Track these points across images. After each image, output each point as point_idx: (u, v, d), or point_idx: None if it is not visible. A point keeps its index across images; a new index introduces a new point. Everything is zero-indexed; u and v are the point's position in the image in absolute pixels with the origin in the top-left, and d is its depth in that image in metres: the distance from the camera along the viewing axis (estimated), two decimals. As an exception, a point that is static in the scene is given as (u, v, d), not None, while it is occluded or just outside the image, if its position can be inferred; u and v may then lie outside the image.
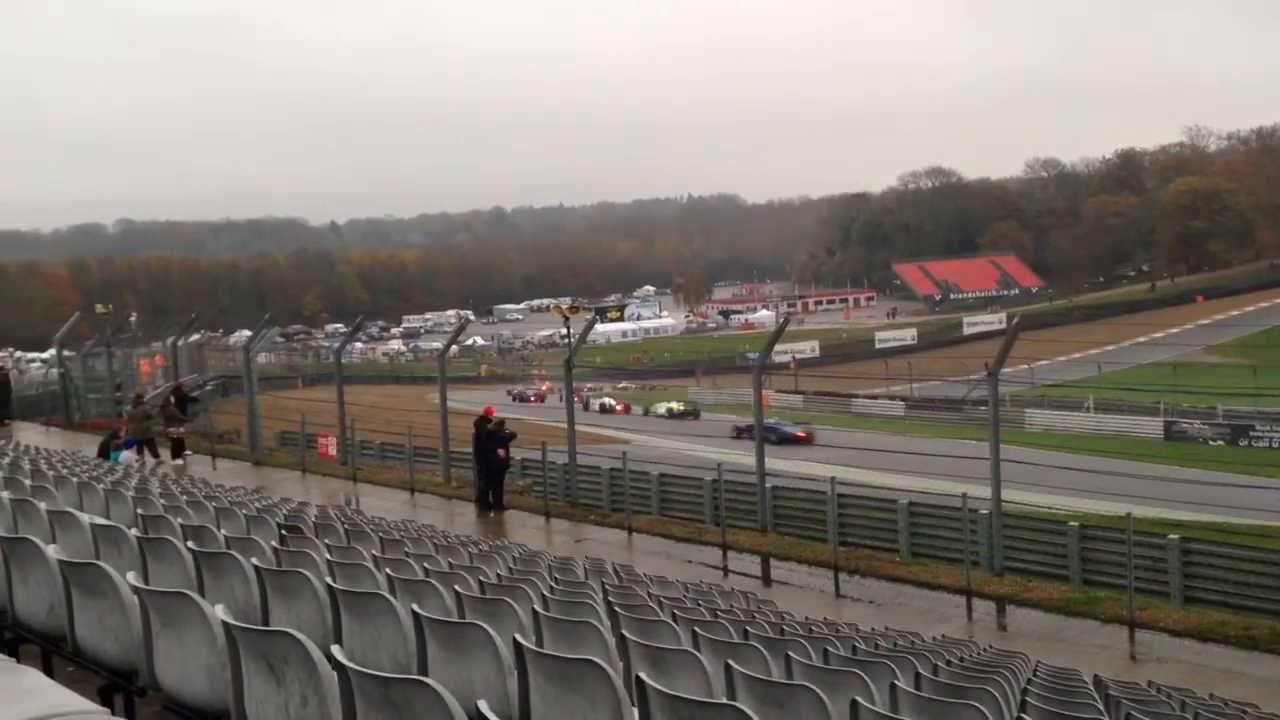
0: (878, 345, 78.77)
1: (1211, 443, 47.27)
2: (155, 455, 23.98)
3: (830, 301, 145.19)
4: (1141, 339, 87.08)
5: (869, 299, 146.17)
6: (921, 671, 6.78)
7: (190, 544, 6.52)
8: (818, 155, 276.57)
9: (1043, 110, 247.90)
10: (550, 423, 29.07)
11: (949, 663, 8.33)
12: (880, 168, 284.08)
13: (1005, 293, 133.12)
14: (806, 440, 46.53)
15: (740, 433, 47.48)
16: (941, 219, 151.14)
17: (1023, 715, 6.03)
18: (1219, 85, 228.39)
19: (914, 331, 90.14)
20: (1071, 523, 16.45)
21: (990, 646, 11.75)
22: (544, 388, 73.56)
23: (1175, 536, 15.16)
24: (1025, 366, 61.09)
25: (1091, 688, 8.72)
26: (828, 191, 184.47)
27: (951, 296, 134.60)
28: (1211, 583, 14.53)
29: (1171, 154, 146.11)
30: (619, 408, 65.07)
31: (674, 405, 63.23)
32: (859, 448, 25.43)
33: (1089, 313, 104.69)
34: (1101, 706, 7.36)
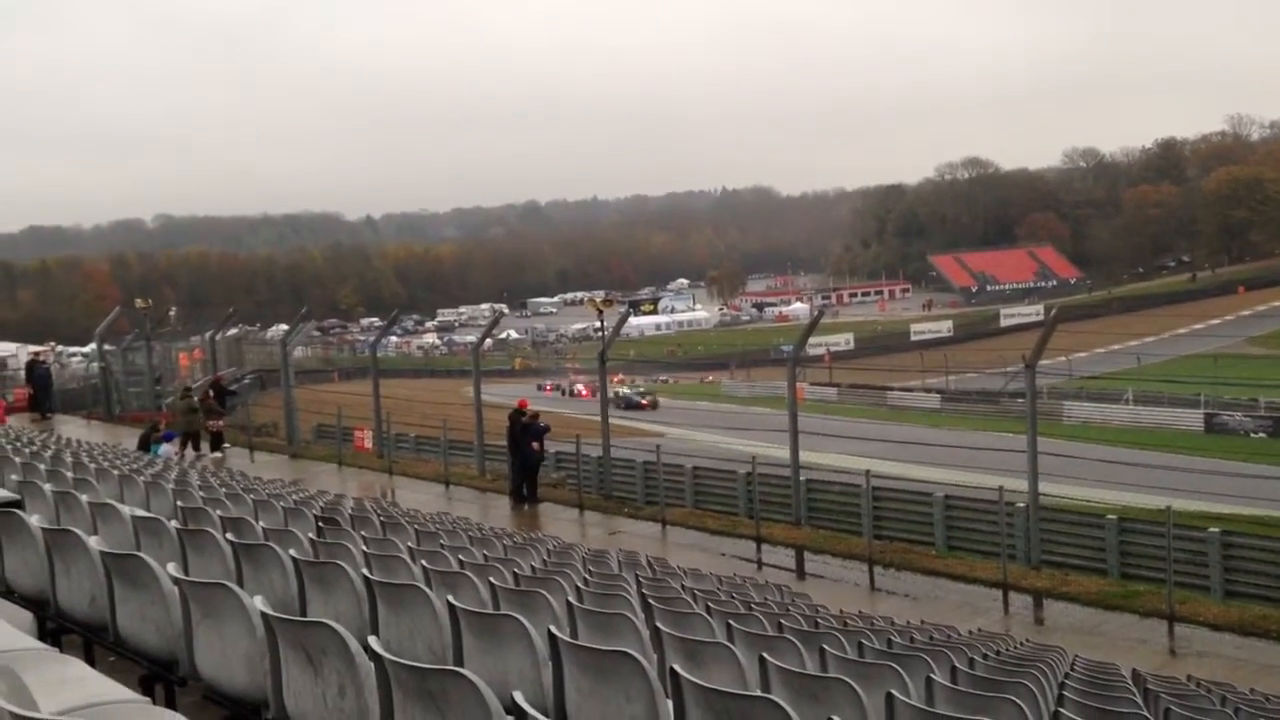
0: (913, 337, 78.55)
1: (1253, 435, 46.62)
2: (196, 449, 24.24)
3: (865, 294, 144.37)
4: (1182, 330, 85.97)
5: (904, 291, 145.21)
6: (958, 665, 6.75)
7: (229, 536, 6.59)
8: (852, 147, 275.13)
9: (1081, 99, 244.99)
10: (582, 415, 29.16)
11: (985, 657, 8.29)
12: (916, 159, 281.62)
13: (1043, 284, 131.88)
14: (650, 407, 59.39)
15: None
16: (978, 210, 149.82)
17: (1060, 710, 5.99)
18: (1262, 73, 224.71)
19: (950, 323, 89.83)
20: (1110, 516, 16.28)
21: (1027, 640, 11.67)
22: (564, 382, 76.02)
23: (1216, 530, 14.99)
24: (1063, 358, 60.50)
25: (1130, 682, 8.65)
26: (863, 183, 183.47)
27: (988, 288, 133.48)
28: (1253, 576, 14.34)
29: (1213, 143, 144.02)
30: (584, 392, 67.39)
31: (619, 390, 68.38)
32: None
33: (1128, 304, 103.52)
34: (1140, 701, 7.30)
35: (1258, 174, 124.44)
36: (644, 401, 62.11)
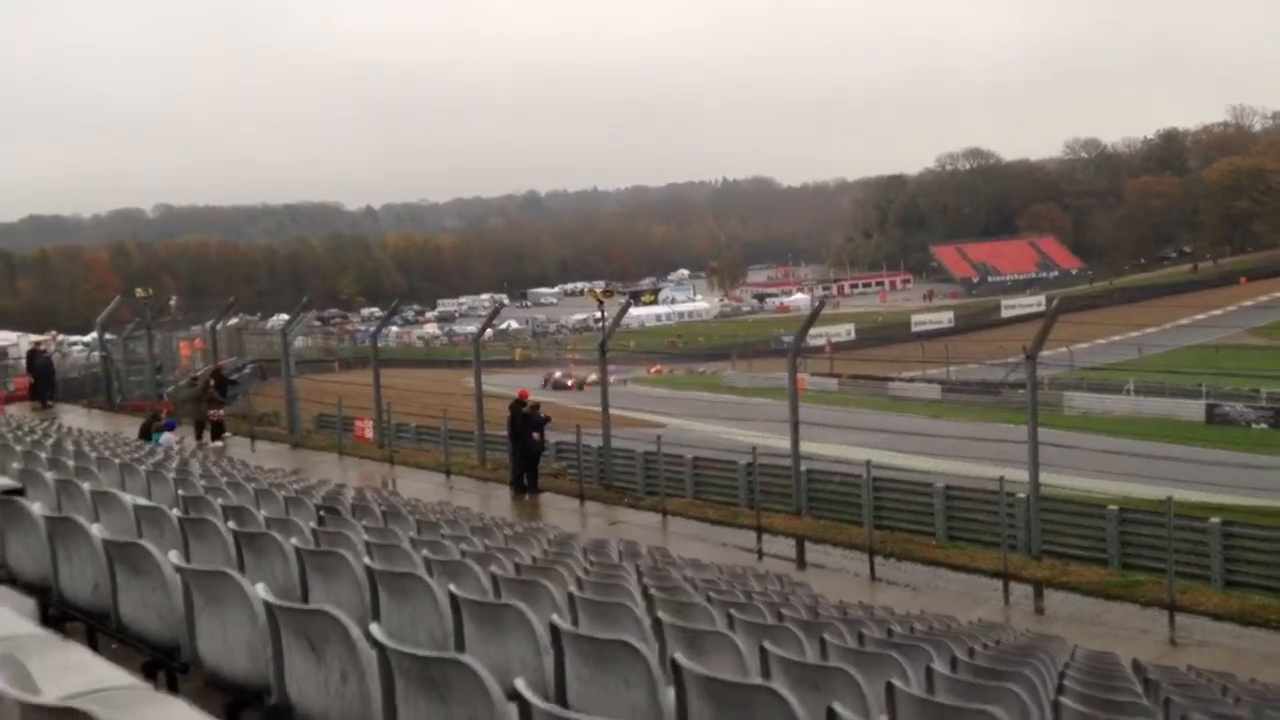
0: (914, 328, 78.37)
1: (1254, 426, 46.60)
2: (200, 437, 24.23)
3: (866, 285, 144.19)
4: (1183, 321, 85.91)
5: (905, 282, 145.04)
6: (957, 655, 6.76)
7: (231, 524, 6.60)
8: (853, 137, 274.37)
9: (1082, 90, 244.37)
10: (583, 406, 29.16)
11: (986, 646, 8.29)
12: (917, 149, 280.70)
13: (1044, 275, 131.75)
14: (576, 388, 60.04)
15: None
16: (979, 201, 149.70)
17: (1060, 699, 6.00)
18: (1264, 64, 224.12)
19: (951, 314, 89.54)
20: (1111, 506, 16.30)
21: (1027, 630, 11.69)
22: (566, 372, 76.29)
23: (1216, 520, 15.00)
24: (1064, 349, 60.45)
25: (1130, 672, 8.66)
26: (864, 173, 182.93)
27: (989, 279, 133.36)
28: (1253, 566, 14.38)
29: (1215, 134, 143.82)
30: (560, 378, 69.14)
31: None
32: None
33: (1130, 295, 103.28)
34: (1140, 691, 7.31)
35: (1260, 164, 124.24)
36: (569, 383, 63.71)
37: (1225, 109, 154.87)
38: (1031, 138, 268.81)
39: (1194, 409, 50.03)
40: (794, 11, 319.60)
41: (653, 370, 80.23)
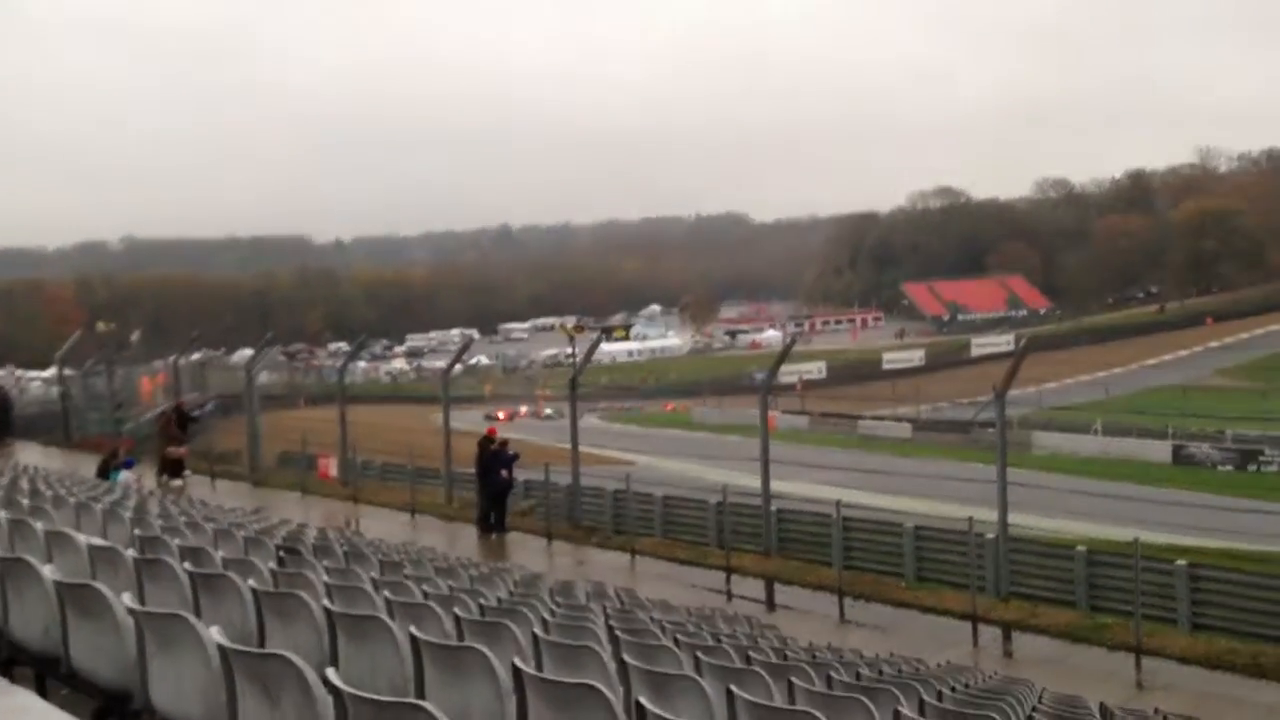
0: (885, 366, 78.77)
1: (1220, 467, 46.96)
2: (159, 476, 23.80)
3: (838, 322, 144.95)
4: (1150, 361, 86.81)
5: (876, 319, 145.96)
6: (926, 698, 6.71)
7: (187, 565, 6.48)
8: (826, 175, 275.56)
9: (1052, 129, 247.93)
10: (552, 443, 29.04)
11: (953, 689, 8.25)
12: (889, 187, 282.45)
13: (1013, 314, 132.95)
14: (509, 419, 63.48)
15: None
16: (950, 239, 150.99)
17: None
18: (1228, 105, 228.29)
19: (922, 353, 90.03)
20: (1079, 548, 16.32)
21: (996, 673, 11.65)
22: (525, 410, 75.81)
23: (1183, 562, 15.04)
24: (1033, 389, 60.88)
25: (1097, 715, 8.63)
26: (836, 211, 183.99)
27: (959, 317, 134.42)
28: (1219, 609, 14.38)
29: (1182, 175, 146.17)
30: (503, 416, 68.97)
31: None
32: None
33: (1098, 335, 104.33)
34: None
35: (1225, 206, 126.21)
36: (501, 416, 64.71)
37: (1192, 150, 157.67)
38: (1002, 176, 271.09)
39: (1160, 450, 50.42)
40: (766, 51, 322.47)
41: (668, 407, 79.04)
